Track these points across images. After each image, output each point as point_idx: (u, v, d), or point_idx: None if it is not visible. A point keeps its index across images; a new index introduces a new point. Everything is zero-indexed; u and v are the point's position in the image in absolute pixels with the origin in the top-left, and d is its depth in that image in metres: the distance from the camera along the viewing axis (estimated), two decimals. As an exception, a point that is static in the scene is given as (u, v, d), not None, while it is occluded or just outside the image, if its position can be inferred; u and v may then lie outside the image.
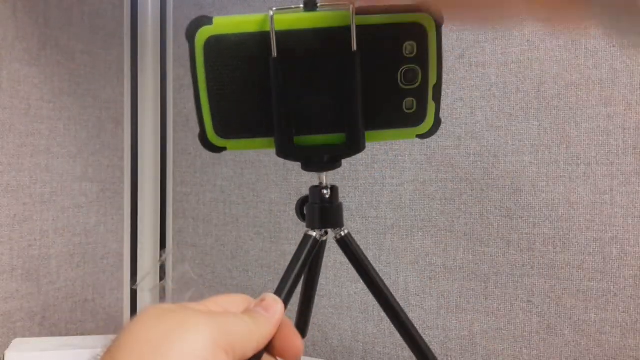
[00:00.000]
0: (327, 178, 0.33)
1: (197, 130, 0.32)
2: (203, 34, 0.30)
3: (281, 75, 0.30)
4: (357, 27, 0.29)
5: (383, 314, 0.33)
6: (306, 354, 0.68)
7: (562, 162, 0.54)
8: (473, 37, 0.58)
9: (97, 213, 0.73)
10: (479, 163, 0.58)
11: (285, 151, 0.31)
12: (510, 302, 0.57)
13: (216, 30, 0.30)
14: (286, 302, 0.32)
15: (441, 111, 0.61)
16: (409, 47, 0.30)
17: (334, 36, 0.28)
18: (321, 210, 0.33)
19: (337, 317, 0.67)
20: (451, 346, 0.60)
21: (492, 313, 0.58)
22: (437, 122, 0.32)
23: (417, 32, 0.30)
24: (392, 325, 0.36)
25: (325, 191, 0.33)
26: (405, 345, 0.37)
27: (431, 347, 0.61)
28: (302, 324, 0.38)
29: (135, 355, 0.25)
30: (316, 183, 0.34)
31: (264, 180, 0.72)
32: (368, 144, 0.32)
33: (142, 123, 0.79)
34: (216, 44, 0.30)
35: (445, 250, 0.60)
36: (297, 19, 0.29)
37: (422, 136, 0.32)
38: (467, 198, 0.59)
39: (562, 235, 0.54)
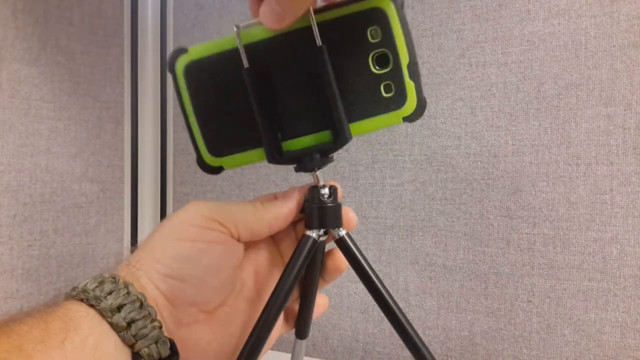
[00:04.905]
0: (322, 177, 0.33)
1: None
2: (181, 63, 0.32)
3: (256, 84, 0.31)
4: (318, 24, 0.30)
5: (383, 314, 0.33)
6: (306, 354, 0.68)
7: (562, 162, 0.54)
8: (473, 37, 0.58)
9: (97, 213, 0.73)
10: (479, 163, 0.58)
11: (275, 158, 0.32)
12: (510, 302, 0.57)
13: (192, 56, 0.32)
14: (284, 302, 0.32)
15: (441, 110, 0.61)
16: (374, 32, 0.30)
17: (299, 37, 0.29)
18: (319, 209, 0.33)
19: (337, 317, 0.66)
20: (451, 346, 0.60)
21: (492, 313, 0.58)
22: (422, 102, 0.31)
23: (377, 16, 0.30)
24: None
25: (323, 190, 0.33)
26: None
27: (431, 347, 0.61)
28: (303, 325, 0.37)
29: (149, 236, 0.32)
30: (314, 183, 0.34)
31: (264, 180, 0.72)
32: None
33: (142, 123, 0.79)
34: (194, 69, 0.32)
35: (445, 250, 0.60)
36: (262, 29, 0.30)
37: (408, 118, 0.32)
38: (467, 198, 0.59)
39: (562, 235, 0.54)
